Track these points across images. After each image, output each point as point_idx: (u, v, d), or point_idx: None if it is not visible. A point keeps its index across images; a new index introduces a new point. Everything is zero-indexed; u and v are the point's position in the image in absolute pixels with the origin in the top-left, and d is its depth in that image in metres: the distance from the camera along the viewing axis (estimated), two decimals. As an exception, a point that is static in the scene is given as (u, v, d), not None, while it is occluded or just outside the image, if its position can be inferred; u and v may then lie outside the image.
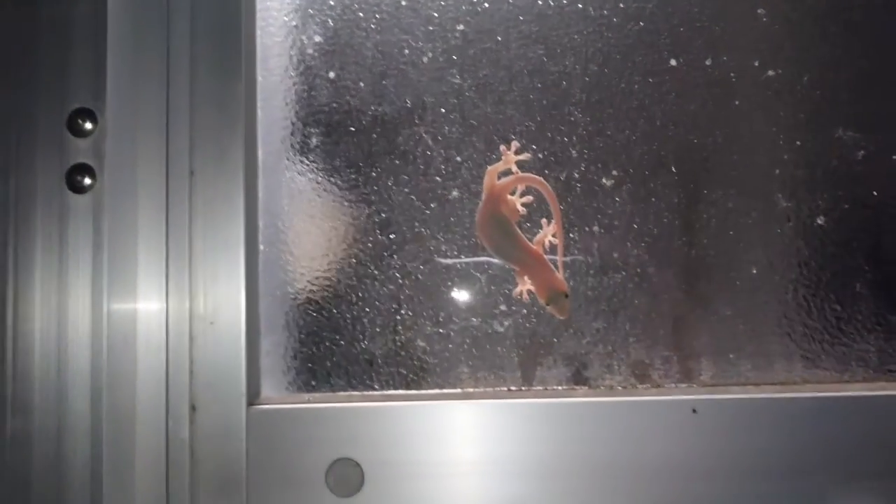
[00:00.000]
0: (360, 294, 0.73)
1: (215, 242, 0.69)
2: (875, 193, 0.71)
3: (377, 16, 0.74)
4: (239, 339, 0.68)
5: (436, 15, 0.74)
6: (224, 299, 0.69)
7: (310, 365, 0.73)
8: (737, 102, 0.72)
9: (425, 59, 0.73)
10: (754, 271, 0.71)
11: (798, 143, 0.71)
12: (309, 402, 0.71)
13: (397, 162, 0.73)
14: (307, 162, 0.74)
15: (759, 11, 0.73)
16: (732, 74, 0.72)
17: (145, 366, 0.67)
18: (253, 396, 0.69)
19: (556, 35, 0.73)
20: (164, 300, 0.68)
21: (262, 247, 0.72)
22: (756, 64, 0.72)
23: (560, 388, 0.70)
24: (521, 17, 0.73)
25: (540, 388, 0.70)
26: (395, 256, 0.73)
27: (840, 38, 0.72)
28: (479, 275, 0.72)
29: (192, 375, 0.68)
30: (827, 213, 0.70)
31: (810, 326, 0.70)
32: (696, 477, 0.65)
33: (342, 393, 0.72)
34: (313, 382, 0.72)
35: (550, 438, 0.66)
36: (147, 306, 0.68)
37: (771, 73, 0.72)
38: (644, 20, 0.73)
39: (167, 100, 0.70)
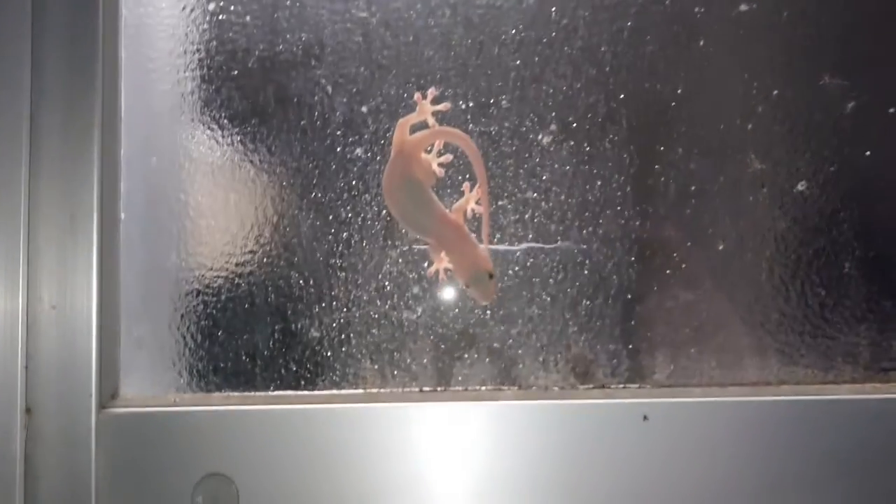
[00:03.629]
0: (242, 275, 0.66)
1: (61, 208, 0.62)
2: (867, 153, 0.65)
3: (268, -65, 0.67)
4: (88, 327, 0.62)
5: (339, -65, 0.66)
6: (71, 277, 0.62)
7: (179, 359, 0.66)
8: (702, 43, 0.65)
9: None
10: (721, 248, 0.65)
11: (775, 92, 0.65)
12: (175, 404, 0.64)
13: (289, 113, 0.66)
14: (181, 113, 0.67)
15: (729, -67, 0.65)
16: (697, 9, 0.65)
17: (-37, 358, 0.61)
18: (106, 397, 0.63)
19: None
20: (-11, 277, 0.61)
21: (122, 215, 0.65)
22: None
23: (484, 388, 0.64)
24: (442, -62, 0.66)
25: (459, 388, 0.65)
26: (284, 228, 0.66)
27: None
28: (387, 250, 0.65)
29: (28, 371, 0.61)
30: (809, 177, 0.65)
31: (788, 315, 0.64)
32: (646, 498, 0.60)
33: (217, 394, 0.65)
34: (182, 380, 0.65)
35: (470, 450, 0.61)
36: (-35, 284, 0.61)
37: (744, 6, 0.65)
38: None
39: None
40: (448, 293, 0.65)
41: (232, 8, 0.65)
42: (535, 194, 0.65)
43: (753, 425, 0.60)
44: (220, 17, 0.65)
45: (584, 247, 0.64)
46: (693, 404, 0.61)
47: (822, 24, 0.64)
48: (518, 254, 0.64)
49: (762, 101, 0.64)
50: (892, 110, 0.64)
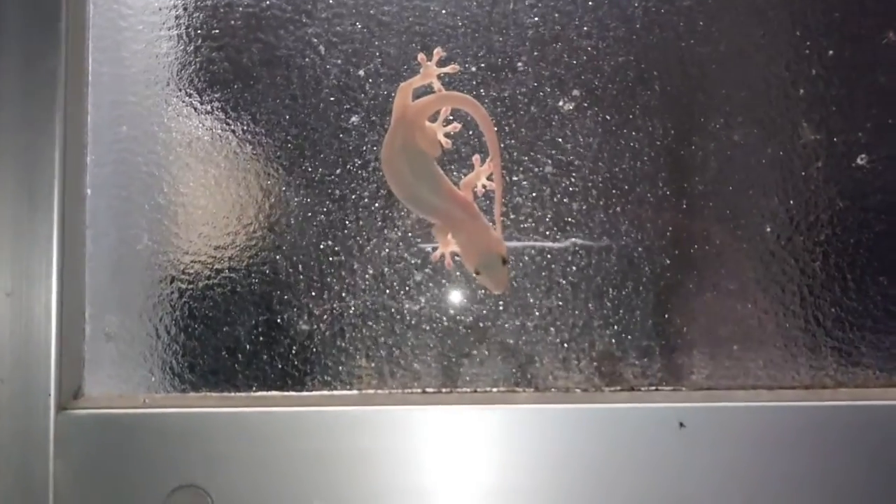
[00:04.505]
0: (222, 259, 0.61)
1: (17, 182, 0.58)
2: None
3: None
4: (47, 317, 0.58)
5: None
6: (27, 261, 0.58)
7: (150, 354, 0.61)
8: None
9: None
10: (769, 229, 0.60)
11: (831, 52, 0.60)
12: (145, 405, 0.60)
13: (277, 77, 0.62)
14: (155, 76, 0.62)
15: None
16: None
17: None
18: (67, 397, 0.59)
19: None
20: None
21: (88, 191, 0.61)
22: None
23: (496, 390, 0.60)
24: None
25: (468, 389, 0.60)
26: (270, 207, 0.61)
27: None
28: (386, 232, 0.61)
29: None
30: (871, 149, 0.60)
31: (846, 308, 0.59)
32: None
33: (193, 394, 0.60)
34: (154, 378, 0.61)
35: (479, 460, 0.57)
36: None
37: None
38: None
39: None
40: (455, 280, 0.60)
41: (212, -42, 0.61)
42: (555, 169, 0.60)
43: (806, 433, 0.56)
44: (200, -32, 0.61)
45: (610, 230, 0.59)
46: (736, 409, 0.57)
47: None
48: (537, 235, 0.59)
49: (816, 63, 0.60)
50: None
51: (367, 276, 0.60)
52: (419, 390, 0.60)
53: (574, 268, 0.60)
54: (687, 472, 0.55)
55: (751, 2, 0.60)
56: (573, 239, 0.60)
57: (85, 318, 0.60)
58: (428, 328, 0.60)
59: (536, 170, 0.60)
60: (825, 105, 0.60)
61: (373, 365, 0.60)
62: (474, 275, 0.55)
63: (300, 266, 0.60)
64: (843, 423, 0.55)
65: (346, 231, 0.60)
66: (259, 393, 0.59)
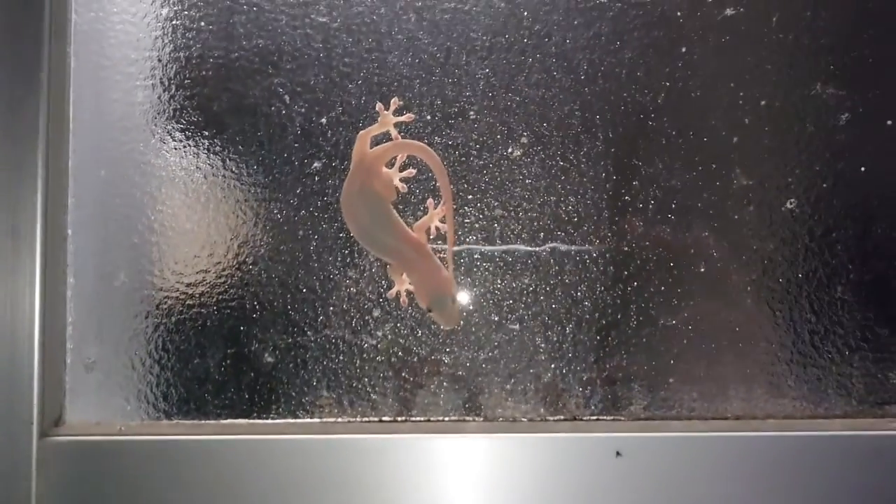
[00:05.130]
0: (194, 295, 0.63)
1: (1, 221, 0.60)
2: (863, 169, 0.61)
3: (224, -64, 0.64)
4: (30, 345, 0.60)
5: (299, -65, 0.64)
6: (11, 296, 0.60)
7: (126, 383, 0.63)
8: (684, 49, 0.62)
9: None
10: (703, 269, 0.62)
11: (763, 102, 0.62)
12: (121, 432, 0.62)
13: (245, 124, 0.63)
14: (132, 123, 0.64)
15: (715, -69, 0.62)
16: (680, 13, 0.62)
17: None
18: (48, 424, 0.61)
19: None
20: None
21: (69, 231, 0.63)
22: None
23: (447, 419, 0.62)
24: (407, -61, 0.63)
25: (421, 418, 0.62)
26: (239, 246, 0.63)
27: None
28: (346, 270, 0.62)
29: None
30: (799, 194, 0.62)
31: (776, 343, 0.61)
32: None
33: (165, 422, 0.62)
34: (129, 406, 0.62)
35: (433, 483, 0.58)
36: None
37: (730, 11, 0.62)
38: None
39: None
40: (409, 316, 0.62)
41: (186, 13, 0.63)
42: (504, 212, 0.62)
43: (737, 462, 0.57)
44: (174, 22, 0.63)
45: (556, 267, 0.61)
46: (671, 439, 0.58)
47: (814, 28, 0.61)
48: (485, 273, 0.61)
49: (749, 112, 0.62)
50: (889, 122, 0.60)
51: (328, 311, 0.62)
52: (376, 419, 0.61)
53: (522, 305, 0.61)
54: (623, 499, 0.56)
55: (687, 55, 0.61)
56: (524, 276, 0.61)
57: (66, 350, 0.62)
58: (384, 361, 0.61)
59: (487, 212, 0.62)
60: (757, 152, 0.61)
61: (333, 395, 0.61)
62: (427, 311, 0.57)
63: (266, 302, 0.62)
64: (770, 452, 0.57)
65: (308, 269, 0.62)
66: (227, 421, 0.61)
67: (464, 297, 0.61)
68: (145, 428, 0.61)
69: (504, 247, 0.61)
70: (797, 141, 0.61)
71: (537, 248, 0.61)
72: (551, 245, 0.61)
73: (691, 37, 0.61)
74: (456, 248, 0.61)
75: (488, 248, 0.61)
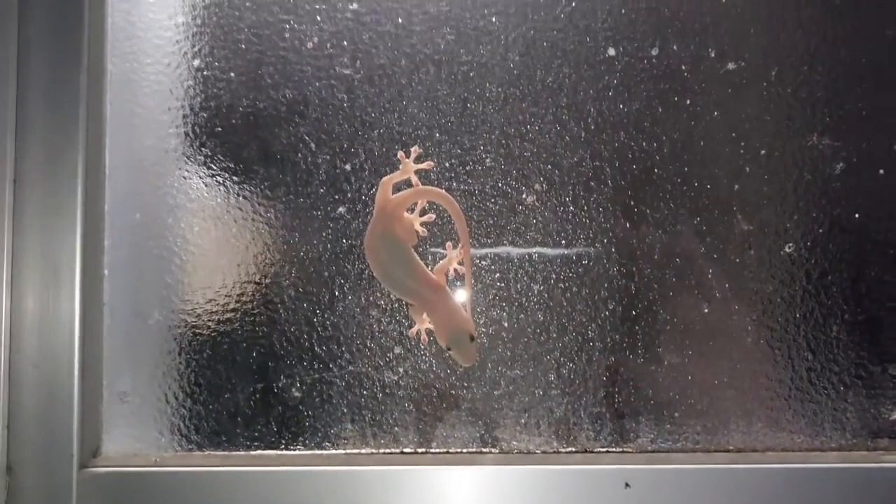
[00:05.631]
0: (224, 333, 0.65)
1: (43, 266, 0.63)
2: (857, 216, 0.64)
3: (253, -9, 0.67)
4: (70, 385, 0.62)
5: (324, -10, 0.66)
6: (53, 336, 0.62)
7: (161, 416, 0.65)
8: (688, 101, 0.65)
9: (310, 45, 0.66)
10: (706, 310, 0.64)
11: (763, 152, 0.65)
12: (157, 464, 0.64)
13: (273, 170, 0.66)
14: (165, 168, 0.67)
15: (717, -10, 0.65)
16: (684, 67, 0.65)
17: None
18: (87, 456, 0.63)
19: (469, 16, 0.66)
20: (-27, 335, 0.62)
21: (105, 272, 0.65)
22: (712, 54, 0.65)
23: (465, 451, 0.64)
24: (427, -6, 0.66)
25: (440, 450, 0.64)
26: (267, 286, 0.66)
27: (816, 23, 0.65)
28: (369, 310, 0.65)
29: (10, 430, 0.61)
30: (797, 239, 0.64)
31: (774, 379, 0.64)
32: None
33: (198, 453, 0.65)
34: (164, 439, 0.65)
35: None
36: (-49, 343, 0.62)
37: (732, 65, 0.65)
38: (578, 0, 0.65)
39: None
40: (429, 354, 0.64)
41: (216, 64, 0.66)
42: (519, 254, 0.64)
43: (738, 493, 0.60)
44: (205, 73, 0.66)
45: (568, 308, 0.64)
46: (676, 471, 0.60)
47: (811, 82, 0.64)
48: (502, 313, 0.64)
49: (749, 161, 0.64)
50: (882, 171, 0.64)
51: (352, 348, 0.64)
52: (398, 451, 0.63)
53: (534, 343, 0.64)
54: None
55: (691, 106, 0.64)
56: (537, 315, 0.64)
57: (103, 385, 0.64)
58: (405, 395, 0.64)
59: (503, 255, 0.64)
60: (757, 199, 0.64)
61: (357, 428, 0.64)
62: (446, 350, 0.58)
63: (293, 339, 0.64)
64: (770, 484, 0.60)
65: (333, 308, 0.64)
66: (257, 452, 0.64)
67: (480, 335, 0.64)
68: (179, 459, 0.63)
69: (517, 287, 0.64)
70: (795, 188, 0.64)
71: (549, 290, 0.64)
72: (562, 286, 0.64)
73: (695, 89, 0.64)
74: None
75: (503, 288, 0.64)
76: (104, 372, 0.64)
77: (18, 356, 0.62)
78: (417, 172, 0.61)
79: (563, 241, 0.64)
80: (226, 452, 0.64)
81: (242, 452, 0.64)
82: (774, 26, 0.64)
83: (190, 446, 0.64)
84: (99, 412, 0.64)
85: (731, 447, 0.63)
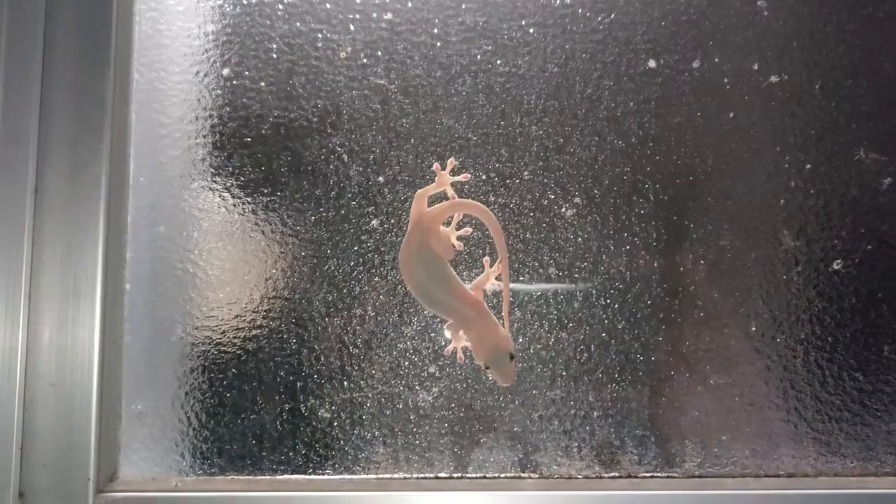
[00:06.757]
0: (250, 351, 0.64)
1: (63, 279, 0.61)
2: None
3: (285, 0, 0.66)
4: (88, 406, 0.60)
5: (357, 0, 0.65)
6: (71, 353, 0.60)
7: (182, 439, 0.63)
8: (731, 115, 0.65)
9: (343, 55, 0.65)
10: (754, 328, 0.63)
11: (808, 166, 0.64)
12: (177, 489, 0.62)
13: (303, 182, 0.65)
14: (191, 180, 0.65)
15: (759, 3, 0.64)
16: (727, 80, 0.65)
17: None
18: (104, 480, 0.61)
19: (506, 27, 0.65)
20: (-12, 354, 0.59)
21: (127, 286, 0.64)
22: (755, 67, 0.64)
23: (503, 476, 0.62)
24: (463, 6, 0.65)
25: (477, 475, 0.62)
26: (295, 302, 0.64)
27: (860, 37, 0.64)
28: (402, 327, 0.63)
29: (23, 452, 0.59)
30: (845, 255, 0.63)
31: (825, 401, 0.62)
32: None
33: (221, 478, 0.63)
34: (185, 462, 0.63)
35: None
36: (-34, 362, 0.59)
37: (775, 78, 0.64)
38: (617, 11, 0.65)
39: (7, 99, 0.61)
40: (466, 373, 0.62)
41: (246, 73, 0.65)
42: (559, 271, 0.63)
43: None
44: (234, 82, 0.65)
45: (609, 326, 0.62)
46: (725, 497, 0.59)
47: (856, 96, 0.64)
48: (542, 332, 0.63)
49: (795, 176, 0.63)
50: (930, 187, 0.63)
51: (384, 367, 0.62)
52: (432, 476, 0.61)
53: (575, 362, 0.62)
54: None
55: (734, 120, 0.63)
56: (578, 334, 0.62)
57: (121, 406, 0.62)
58: (440, 417, 0.62)
59: (541, 271, 0.63)
60: (804, 214, 0.63)
61: (389, 451, 0.62)
62: (484, 369, 0.57)
63: (322, 357, 0.63)
64: None
65: (365, 325, 0.63)
66: (283, 477, 0.61)
67: (519, 354, 0.62)
68: (200, 484, 0.61)
69: (557, 304, 0.63)
70: (841, 204, 0.63)
71: (589, 307, 0.63)
72: (603, 303, 0.63)
73: (738, 103, 0.63)
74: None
75: (542, 305, 0.63)
76: (123, 391, 0.63)
77: (34, 373, 0.60)
78: (453, 185, 0.60)
79: (604, 257, 0.63)
80: (250, 477, 0.62)
81: (268, 477, 0.62)
82: (817, 39, 0.64)
83: (212, 470, 0.62)
84: (117, 434, 0.62)
85: (782, 472, 0.61)
